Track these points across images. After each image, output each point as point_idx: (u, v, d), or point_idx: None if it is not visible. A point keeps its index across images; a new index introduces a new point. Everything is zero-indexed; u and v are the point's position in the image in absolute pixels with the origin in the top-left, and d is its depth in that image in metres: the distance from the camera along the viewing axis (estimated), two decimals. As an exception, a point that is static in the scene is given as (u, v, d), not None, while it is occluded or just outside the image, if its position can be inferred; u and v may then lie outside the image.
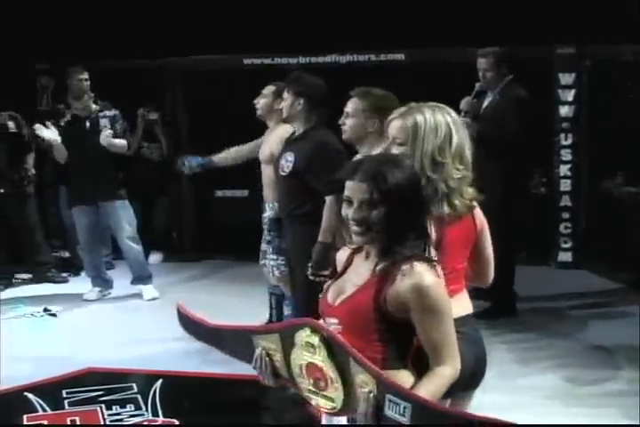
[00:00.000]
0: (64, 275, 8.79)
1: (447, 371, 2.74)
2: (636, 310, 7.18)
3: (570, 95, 8.74)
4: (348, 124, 4.91)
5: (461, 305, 3.22)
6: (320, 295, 3.00)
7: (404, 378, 2.75)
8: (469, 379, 3.14)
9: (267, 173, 6.26)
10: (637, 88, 8.44)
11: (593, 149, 8.77)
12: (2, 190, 8.33)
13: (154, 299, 8.02)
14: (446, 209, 3.15)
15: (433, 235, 3.00)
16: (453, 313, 2.92)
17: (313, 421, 4.92)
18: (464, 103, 6.80)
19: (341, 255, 3.06)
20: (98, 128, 7.78)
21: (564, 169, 8.77)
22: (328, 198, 5.27)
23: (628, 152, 8.30)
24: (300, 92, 5.54)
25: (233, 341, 2.99)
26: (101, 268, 8.26)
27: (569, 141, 8.74)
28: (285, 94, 5.60)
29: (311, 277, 5.23)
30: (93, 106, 7.90)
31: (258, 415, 5.61)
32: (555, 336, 6.29)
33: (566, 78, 8.73)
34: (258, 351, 2.86)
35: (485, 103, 7.04)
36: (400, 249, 2.76)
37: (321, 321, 2.84)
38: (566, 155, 8.76)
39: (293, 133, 5.71)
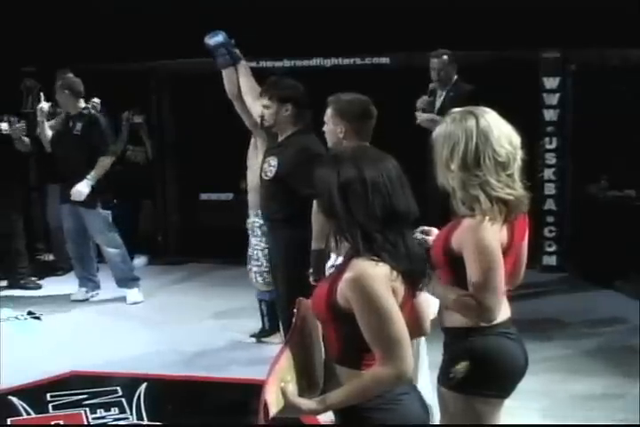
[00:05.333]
0: (37, 281, 8.71)
1: (384, 372, 2.64)
2: (618, 314, 7.22)
3: (554, 99, 8.76)
4: (325, 132, 4.98)
5: (507, 307, 3.35)
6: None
7: (351, 377, 2.72)
8: (520, 379, 3.34)
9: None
10: (622, 92, 8.46)
11: (577, 152, 8.79)
12: None
13: (135, 303, 8.01)
14: (462, 212, 3.22)
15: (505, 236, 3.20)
16: (503, 315, 3.22)
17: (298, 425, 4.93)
18: (421, 102, 7.46)
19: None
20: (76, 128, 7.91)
21: (548, 173, 8.78)
22: (315, 203, 5.28)
23: (613, 156, 8.33)
24: (287, 97, 5.51)
25: None
26: (89, 268, 8.25)
27: (553, 145, 8.75)
28: (267, 101, 5.53)
29: (314, 284, 5.24)
30: (81, 105, 7.94)
31: (242, 419, 5.60)
32: (538, 340, 6.30)
33: (551, 82, 8.75)
34: None
35: (439, 101, 7.25)
36: (356, 246, 2.70)
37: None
38: (551, 158, 8.77)
39: (276, 139, 5.68)
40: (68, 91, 7.86)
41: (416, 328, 2.89)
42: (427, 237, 3.47)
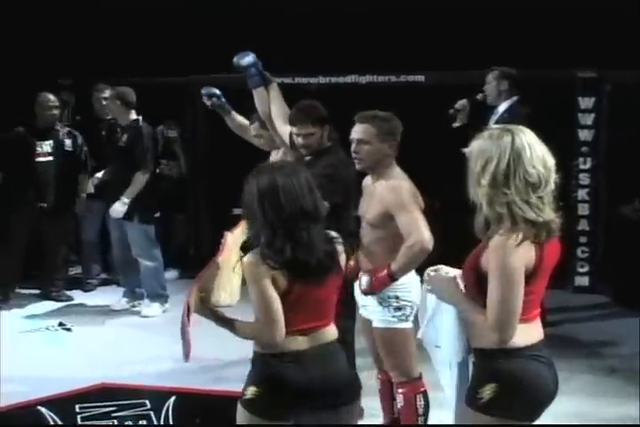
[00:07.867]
0: (69, 294, 8.72)
1: (250, 331, 3.61)
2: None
3: (589, 119, 8.74)
4: (363, 151, 4.76)
5: (539, 330, 3.33)
6: None
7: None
8: (549, 402, 3.30)
9: None
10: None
11: (611, 173, 8.75)
12: (45, 204, 8.31)
13: (146, 317, 8.04)
14: (491, 231, 3.21)
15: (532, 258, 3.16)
16: (534, 338, 3.23)
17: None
18: (459, 104, 7.16)
19: None
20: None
21: (582, 193, 8.74)
22: None
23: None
24: (326, 118, 5.47)
25: None
26: (131, 279, 8.31)
27: (588, 165, 8.72)
28: (311, 129, 5.39)
29: None
30: (132, 117, 7.97)
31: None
32: (570, 360, 6.26)
33: (586, 102, 8.73)
34: None
35: (493, 120, 7.06)
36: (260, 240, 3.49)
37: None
38: (585, 179, 8.74)
39: (304, 156, 5.60)
40: (120, 101, 7.89)
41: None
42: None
